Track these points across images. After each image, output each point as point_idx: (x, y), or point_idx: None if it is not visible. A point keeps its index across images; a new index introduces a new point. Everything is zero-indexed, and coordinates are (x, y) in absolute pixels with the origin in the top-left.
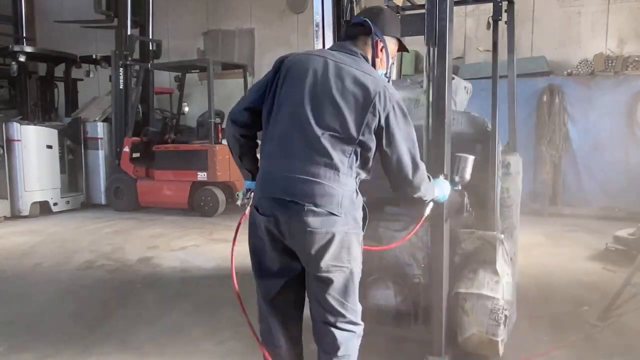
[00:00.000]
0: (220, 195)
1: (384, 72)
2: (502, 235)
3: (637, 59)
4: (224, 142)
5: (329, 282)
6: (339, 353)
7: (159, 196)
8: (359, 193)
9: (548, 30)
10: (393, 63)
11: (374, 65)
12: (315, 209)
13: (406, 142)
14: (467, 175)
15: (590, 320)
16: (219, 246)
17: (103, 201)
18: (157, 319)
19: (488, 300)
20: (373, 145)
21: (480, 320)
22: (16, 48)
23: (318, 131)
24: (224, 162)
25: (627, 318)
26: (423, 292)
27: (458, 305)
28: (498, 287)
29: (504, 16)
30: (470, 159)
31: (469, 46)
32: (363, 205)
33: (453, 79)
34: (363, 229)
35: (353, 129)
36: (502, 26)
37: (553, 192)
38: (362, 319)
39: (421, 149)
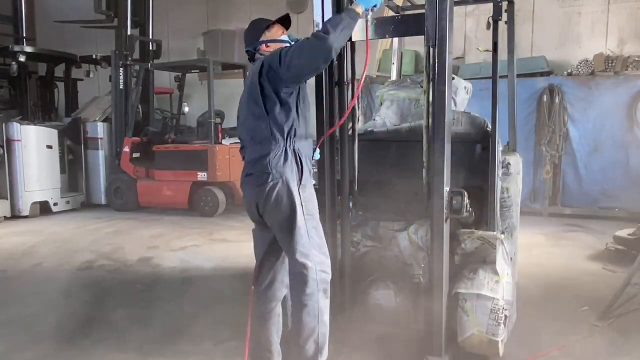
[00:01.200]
0: (220, 195)
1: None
2: (502, 235)
3: (637, 59)
4: (224, 142)
5: None
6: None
7: (159, 196)
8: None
9: (548, 30)
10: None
11: None
12: None
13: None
14: None
15: (590, 320)
16: (219, 246)
17: (103, 201)
18: (157, 319)
19: (488, 300)
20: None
21: (480, 320)
22: (16, 48)
23: None
24: (223, 162)
25: (627, 318)
26: (423, 292)
27: (458, 305)
28: (498, 287)
29: (504, 16)
30: None
31: (469, 46)
32: None
33: (453, 79)
34: None
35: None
36: (502, 26)
37: (553, 192)
38: (363, 319)
39: (421, 149)
